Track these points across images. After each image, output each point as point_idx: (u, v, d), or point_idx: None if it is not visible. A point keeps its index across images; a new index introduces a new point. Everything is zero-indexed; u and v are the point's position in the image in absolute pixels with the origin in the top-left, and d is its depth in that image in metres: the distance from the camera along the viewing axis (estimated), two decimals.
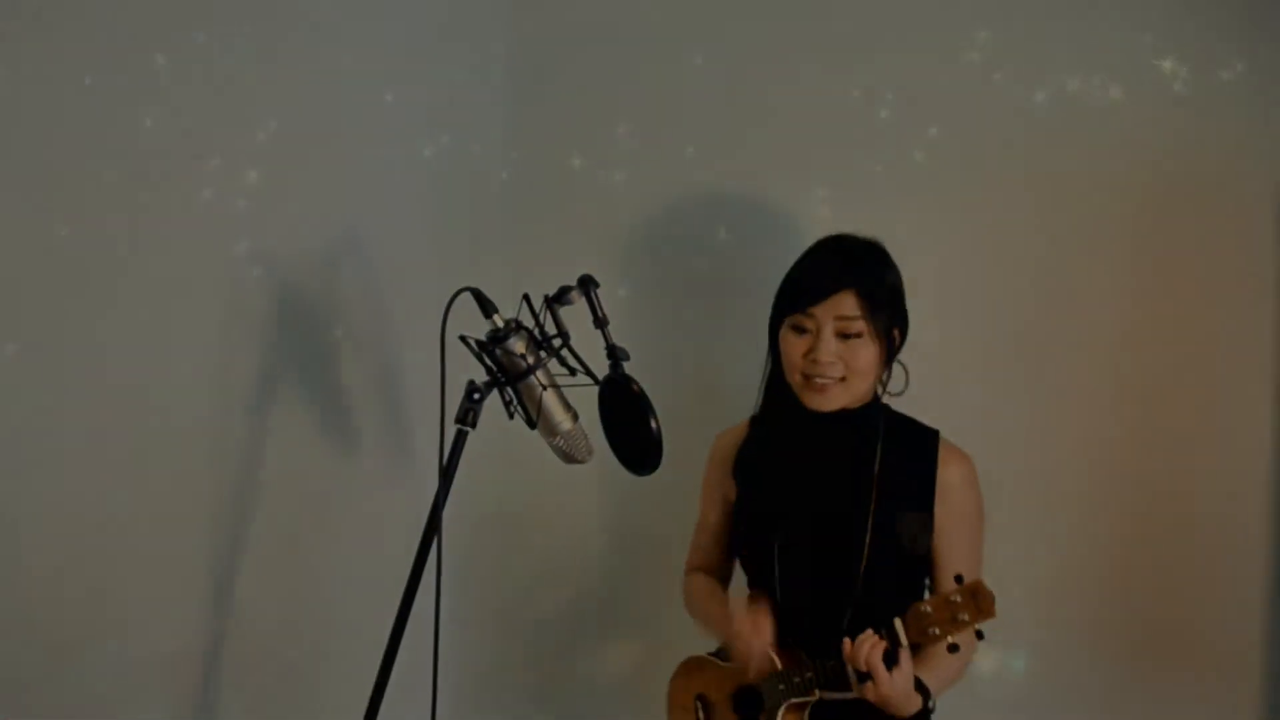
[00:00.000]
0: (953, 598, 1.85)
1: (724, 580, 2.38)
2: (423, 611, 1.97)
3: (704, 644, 2.32)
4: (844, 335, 2.04)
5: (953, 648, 1.87)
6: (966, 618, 1.83)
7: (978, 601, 1.83)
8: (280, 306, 2.45)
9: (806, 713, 2.08)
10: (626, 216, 2.84)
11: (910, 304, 2.15)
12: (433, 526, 1.96)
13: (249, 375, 2.42)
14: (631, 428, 1.99)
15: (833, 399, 2.07)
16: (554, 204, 2.91)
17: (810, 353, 2.06)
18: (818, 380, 2.07)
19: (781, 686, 2.07)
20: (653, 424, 1.96)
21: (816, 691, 2.03)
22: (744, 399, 2.30)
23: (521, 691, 3.03)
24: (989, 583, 1.85)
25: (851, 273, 2.05)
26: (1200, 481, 2.46)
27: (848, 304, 2.03)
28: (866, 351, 2.05)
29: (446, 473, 1.97)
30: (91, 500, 2.16)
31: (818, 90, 2.65)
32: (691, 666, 2.32)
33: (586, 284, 2.02)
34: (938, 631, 1.86)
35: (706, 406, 2.56)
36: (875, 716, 1.99)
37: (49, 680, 2.12)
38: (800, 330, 2.08)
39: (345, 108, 2.60)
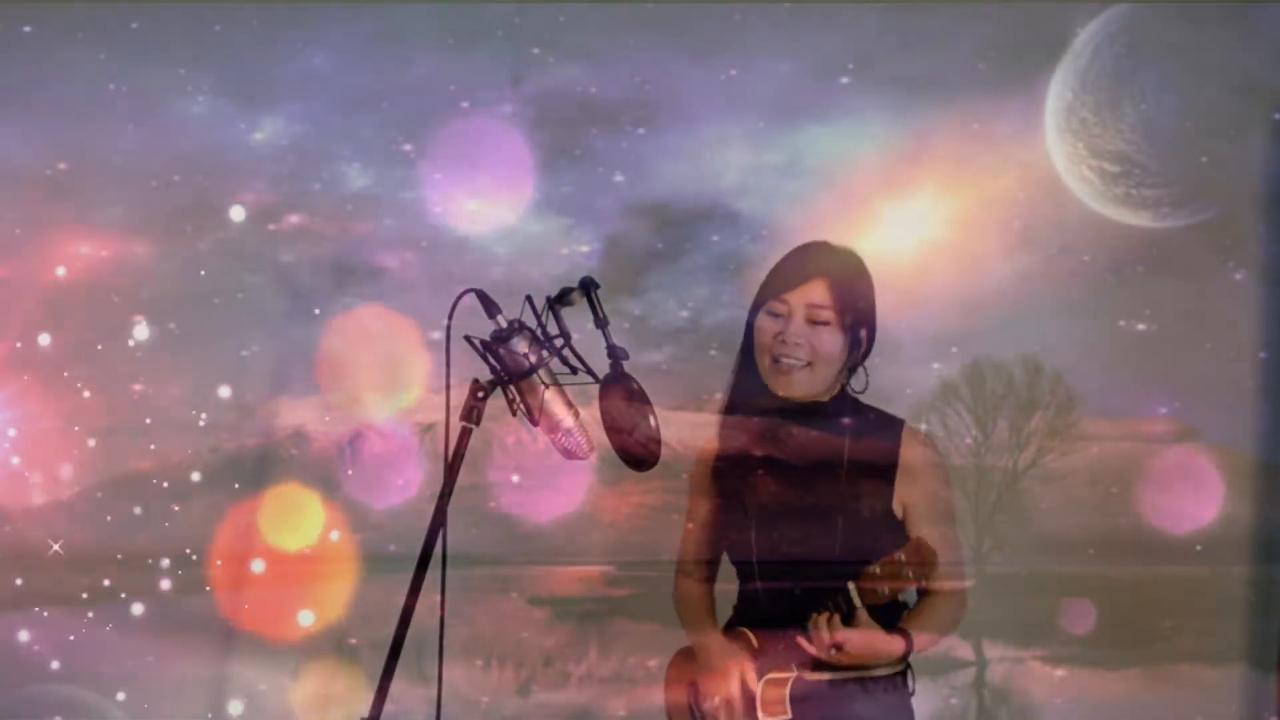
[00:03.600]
0: (898, 557, 2.03)
1: (712, 574, 2.41)
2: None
3: None
4: (813, 322, 2.16)
5: (921, 592, 2.07)
6: (911, 575, 2.02)
7: (921, 557, 2.01)
8: (294, 308, 2.52)
9: (787, 688, 2.15)
10: None
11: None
12: (437, 521, 2.01)
13: (263, 374, 2.48)
14: (631, 424, 2.04)
15: (796, 383, 2.18)
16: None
17: (780, 334, 2.17)
18: (784, 362, 2.18)
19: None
20: (651, 421, 2.02)
21: (793, 668, 2.13)
22: None
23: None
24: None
25: (825, 264, 2.20)
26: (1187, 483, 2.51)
27: (818, 292, 2.17)
28: (833, 340, 2.17)
29: (452, 468, 2.01)
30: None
31: None
32: (688, 655, 2.36)
33: (588, 286, 2.07)
34: (887, 590, 2.04)
35: None
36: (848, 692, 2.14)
37: None
38: (774, 315, 2.20)
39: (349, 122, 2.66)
